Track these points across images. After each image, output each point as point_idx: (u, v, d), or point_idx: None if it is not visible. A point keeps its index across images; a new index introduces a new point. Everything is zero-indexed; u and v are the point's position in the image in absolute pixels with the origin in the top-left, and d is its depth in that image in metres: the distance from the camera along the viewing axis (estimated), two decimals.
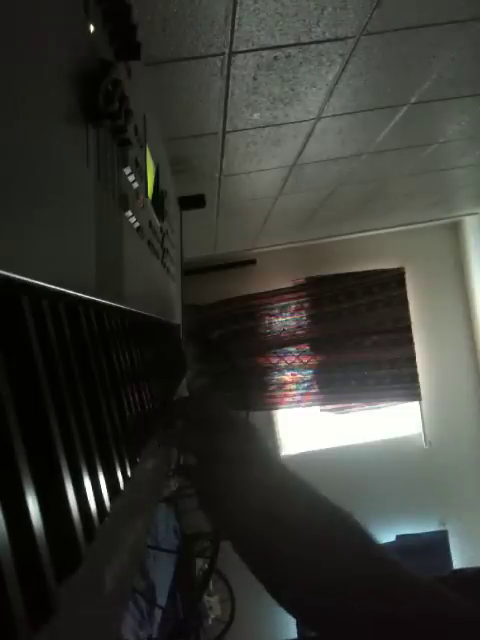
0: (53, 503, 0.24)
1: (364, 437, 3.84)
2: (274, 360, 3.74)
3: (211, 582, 3.10)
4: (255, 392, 3.72)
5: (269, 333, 3.72)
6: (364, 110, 1.58)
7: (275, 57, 1.21)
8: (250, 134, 1.63)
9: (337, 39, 1.17)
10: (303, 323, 3.71)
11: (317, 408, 3.82)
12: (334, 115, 1.58)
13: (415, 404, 3.85)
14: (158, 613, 2.36)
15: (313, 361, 3.74)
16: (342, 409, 3.83)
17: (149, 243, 0.67)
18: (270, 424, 3.82)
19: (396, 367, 3.75)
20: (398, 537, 3.58)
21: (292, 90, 1.38)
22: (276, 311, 3.71)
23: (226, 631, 3.16)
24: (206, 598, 3.14)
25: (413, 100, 1.56)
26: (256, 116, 1.51)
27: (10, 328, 0.24)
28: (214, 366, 3.69)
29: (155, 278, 0.75)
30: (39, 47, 0.27)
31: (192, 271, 3.44)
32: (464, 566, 3.60)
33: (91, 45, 0.38)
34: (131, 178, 0.53)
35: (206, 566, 3.01)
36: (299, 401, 3.77)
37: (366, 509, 3.51)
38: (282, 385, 3.77)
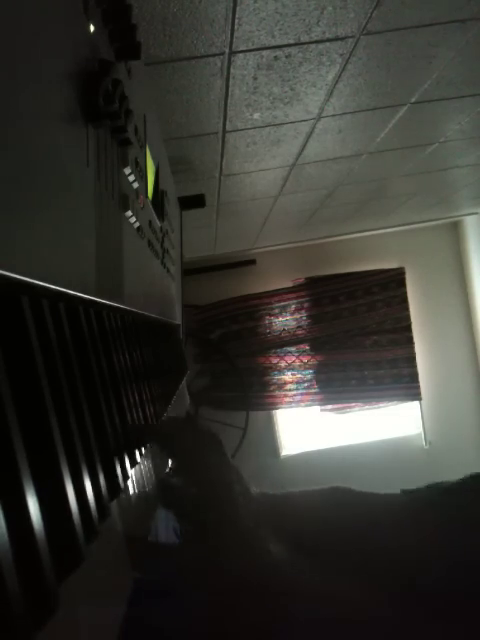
0: (53, 503, 0.24)
1: (364, 437, 3.84)
2: (274, 360, 3.74)
3: None
4: (255, 392, 3.72)
5: (269, 333, 3.72)
6: (364, 110, 1.58)
7: (275, 57, 1.21)
8: (250, 134, 1.63)
9: (337, 39, 1.17)
10: (303, 323, 3.72)
11: (317, 408, 3.82)
12: (334, 115, 1.58)
13: (415, 404, 3.85)
14: None
15: (313, 361, 3.74)
16: (342, 409, 3.83)
17: (149, 243, 0.67)
18: (270, 424, 3.82)
19: (396, 367, 3.75)
20: None
21: (292, 90, 1.38)
22: (276, 311, 3.71)
23: None
24: None
25: (413, 100, 1.56)
26: (256, 116, 1.50)
27: (10, 328, 0.24)
28: (214, 366, 3.69)
29: (155, 278, 0.75)
30: (39, 47, 0.27)
31: (192, 271, 3.44)
32: None
33: (91, 45, 0.38)
34: (131, 178, 0.53)
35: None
36: (299, 401, 3.78)
37: None
38: (282, 385, 3.77)
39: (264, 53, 1.18)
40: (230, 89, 1.32)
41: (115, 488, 0.34)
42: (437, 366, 3.84)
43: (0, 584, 0.18)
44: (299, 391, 3.76)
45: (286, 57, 1.22)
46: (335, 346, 3.72)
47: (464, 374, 3.86)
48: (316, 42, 1.17)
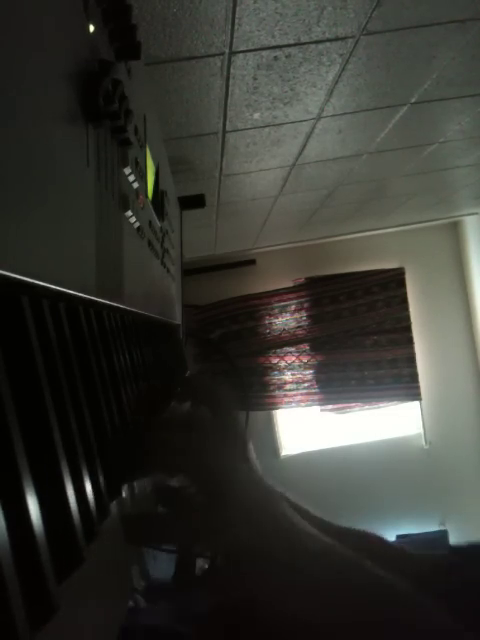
0: (53, 503, 0.24)
1: (364, 437, 3.84)
2: (274, 360, 3.74)
3: None
4: (255, 392, 3.72)
5: (269, 333, 3.72)
6: (364, 110, 1.58)
7: (275, 57, 1.21)
8: (250, 134, 1.63)
9: (337, 39, 1.17)
10: (303, 323, 3.72)
11: (317, 408, 3.82)
12: (334, 115, 1.58)
13: (415, 404, 3.85)
14: None
15: (313, 361, 3.74)
16: (342, 409, 3.83)
17: (149, 243, 0.67)
18: (270, 424, 3.82)
19: (396, 367, 3.75)
20: (398, 537, 3.58)
21: (292, 90, 1.38)
22: (276, 311, 3.71)
23: None
24: None
25: (413, 100, 1.56)
26: (256, 116, 1.50)
27: (10, 328, 0.24)
28: (214, 366, 3.69)
29: (155, 278, 0.75)
30: (39, 47, 0.27)
31: (192, 271, 3.44)
32: None
33: (91, 45, 0.38)
34: (131, 178, 0.53)
35: (206, 566, 3.00)
36: (299, 401, 3.77)
37: (366, 509, 3.53)
38: (282, 385, 3.77)
39: (264, 53, 1.18)
40: (230, 89, 1.32)
41: (115, 488, 0.34)
42: (437, 366, 3.84)
43: (0, 584, 0.18)
44: (299, 391, 3.76)
45: (286, 57, 1.22)
46: (335, 346, 3.72)
47: (464, 374, 3.86)
48: (316, 42, 1.17)
